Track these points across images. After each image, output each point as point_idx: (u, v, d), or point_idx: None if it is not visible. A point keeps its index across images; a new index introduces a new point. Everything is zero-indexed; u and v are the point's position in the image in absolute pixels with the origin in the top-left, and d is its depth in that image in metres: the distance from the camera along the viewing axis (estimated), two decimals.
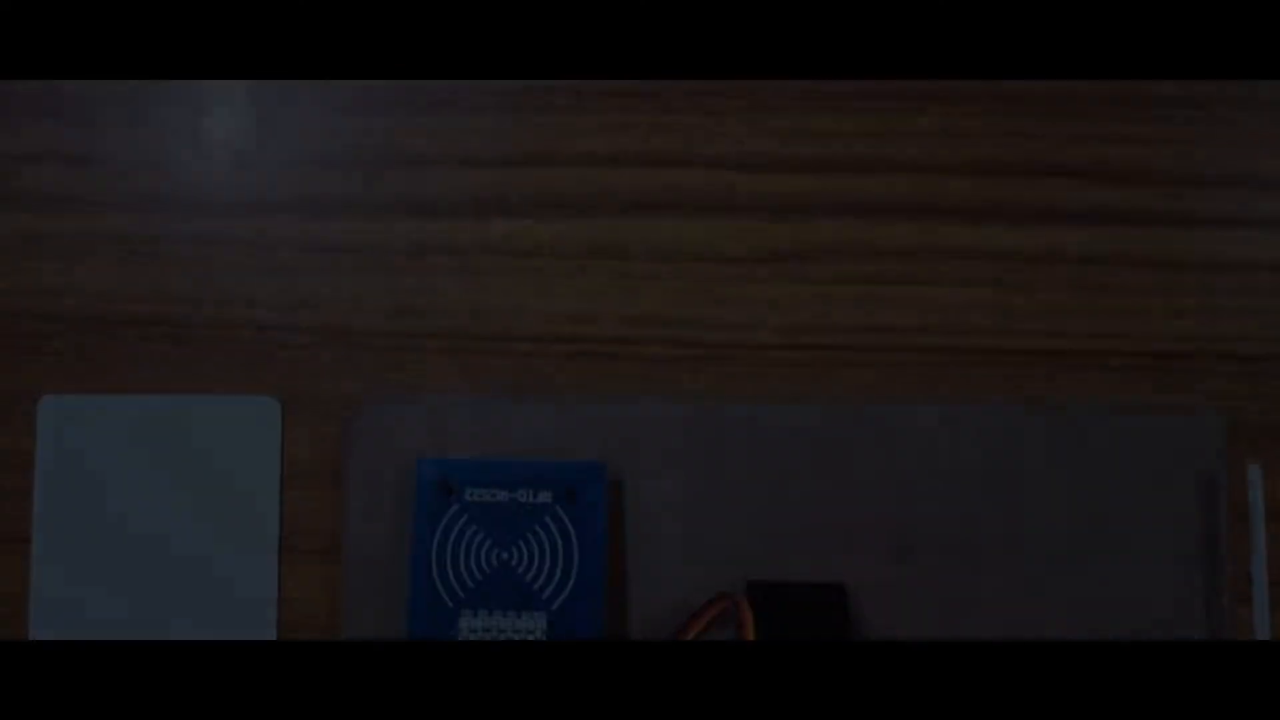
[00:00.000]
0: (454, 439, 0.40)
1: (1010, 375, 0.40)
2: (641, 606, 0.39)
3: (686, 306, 0.41)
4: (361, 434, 0.40)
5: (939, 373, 0.40)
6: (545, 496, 0.38)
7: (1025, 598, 0.39)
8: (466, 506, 0.38)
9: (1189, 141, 0.41)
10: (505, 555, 0.38)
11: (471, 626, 0.38)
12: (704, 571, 0.39)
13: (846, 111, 0.41)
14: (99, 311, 0.41)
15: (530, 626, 0.38)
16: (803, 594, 0.38)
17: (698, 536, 0.39)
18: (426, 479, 0.39)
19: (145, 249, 0.42)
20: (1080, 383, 0.40)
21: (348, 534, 0.40)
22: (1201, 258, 0.40)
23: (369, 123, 0.41)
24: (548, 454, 0.39)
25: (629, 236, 0.41)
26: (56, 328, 0.41)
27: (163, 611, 0.40)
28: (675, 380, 0.41)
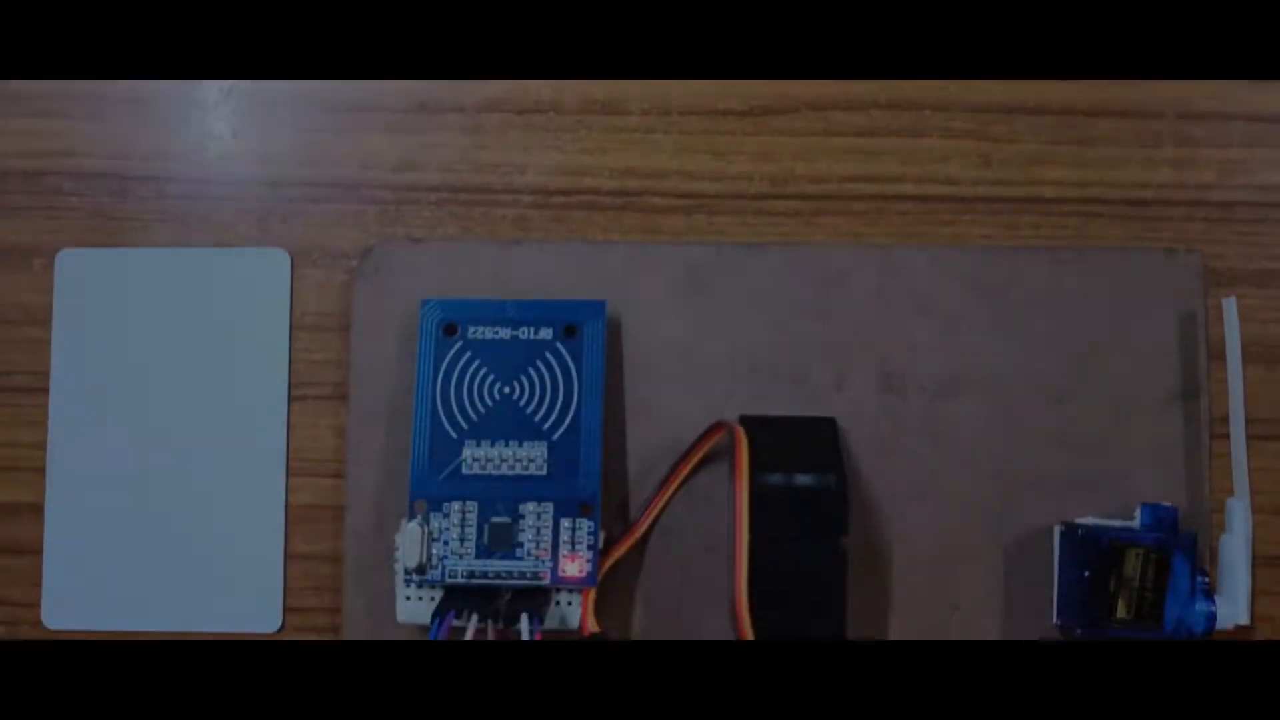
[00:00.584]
0: (457, 282, 0.41)
1: (994, 222, 0.42)
2: (639, 440, 0.41)
3: (682, 160, 0.42)
4: (368, 279, 0.41)
5: (925, 219, 0.42)
6: (546, 333, 0.40)
7: (1010, 431, 0.40)
8: (469, 344, 0.40)
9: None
10: (507, 389, 0.39)
11: (475, 456, 0.39)
12: (700, 407, 0.40)
13: None
14: (115, 169, 0.43)
15: (532, 455, 0.39)
16: (795, 426, 0.40)
17: (693, 373, 0.41)
18: (430, 318, 0.40)
19: (157, 109, 0.43)
20: (1061, 229, 0.42)
21: (354, 374, 0.41)
22: (1177, 109, 0.42)
23: None
24: (549, 295, 0.41)
25: (627, 93, 0.43)
26: (74, 185, 0.43)
27: (176, 454, 0.42)
28: (672, 228, 0.42)
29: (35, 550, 0.42)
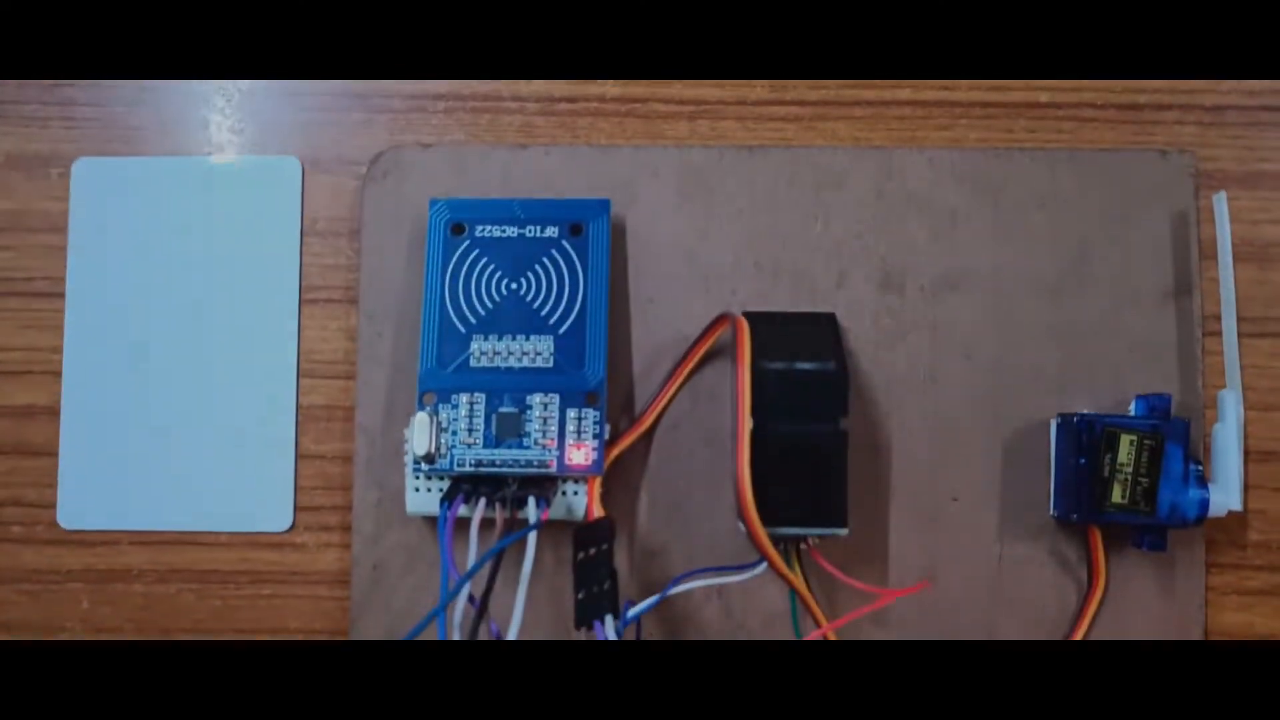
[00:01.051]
0: (465, 186, 0.42)
1: (991, 126, 0.43)
2: (643, 338, 0.41)
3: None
4: (377, 183, 0.42)
5: (923, 125, 0.43)
6: (552, 231, 0.41)
7: (1007, 328, 0.41)
8: (477, 242, 0.41)
9: None
10: (514, 286, 0.40)
11: (482, 349, 0.40)
12: (703, 305, 0.41)
13: None
14: (130, 79, 0.44)
15: (539, 348, 0.40)
16: (796, 320, 0.40)
17: (696, 273, 0.41)
18: (438, 218, 0.41)
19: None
20: (1057, 132, 0.43)
21: (364, 277, 0.42)
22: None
23: None
24: (555, 197, 0.42)
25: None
26: (90, 95, 0.44)
27: (189, 358, 0.43)
28: (676, 133, 0.43)
29: (51, 452, 0.43)
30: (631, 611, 0.36)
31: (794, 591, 0.38)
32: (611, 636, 0.34)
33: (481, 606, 0.35)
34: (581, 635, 0.36)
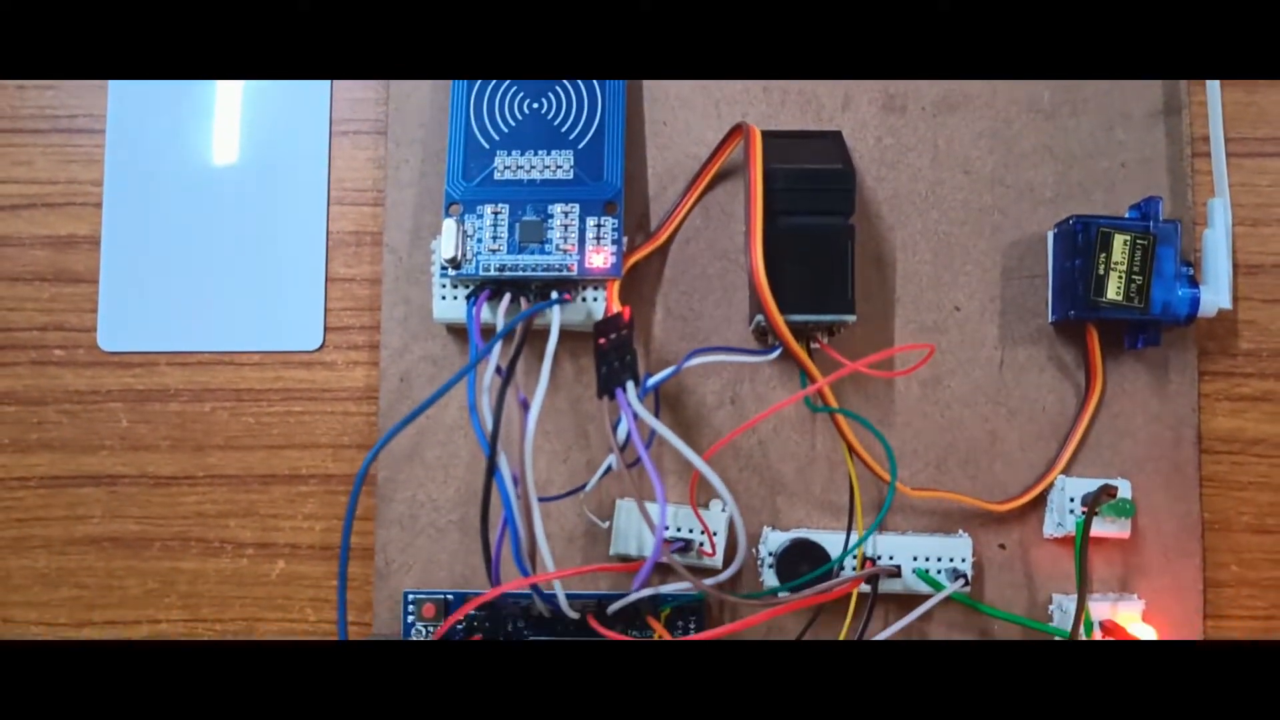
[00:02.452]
0: None
1: None
2: (658, 159, 0.43)
3: None
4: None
5: None
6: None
7: (1005, 145, 0.43)
8: None
9: None
10: (535, 105, 0.42)
11: (506, 164, 0.42)
12: (714, 128, 0.43)
13: None
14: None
15: (560, 162, 0.42)
16: (805, 136, 0.42)
17: (706, 92, 0.44)
18: None
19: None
20: None
21: (393, 106, 0.44)
22: None
23: None
24: None
25: None
26: None
27: (224, 187, 0.45)
28: None
29: (92, 279, 0.45)
30: (651, 380, 0.38)
31: (805, 373, 0.39)
32: (634, 402, 0.36)
33: (508, 374, 0.37)
34: (604, 405, 0.38)
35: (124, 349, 0.45)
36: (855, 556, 0.40)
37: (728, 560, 0.41)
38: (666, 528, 0.41)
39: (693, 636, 0.39)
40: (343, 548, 0.38)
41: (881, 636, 0.39)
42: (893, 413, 0.42)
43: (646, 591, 0.39)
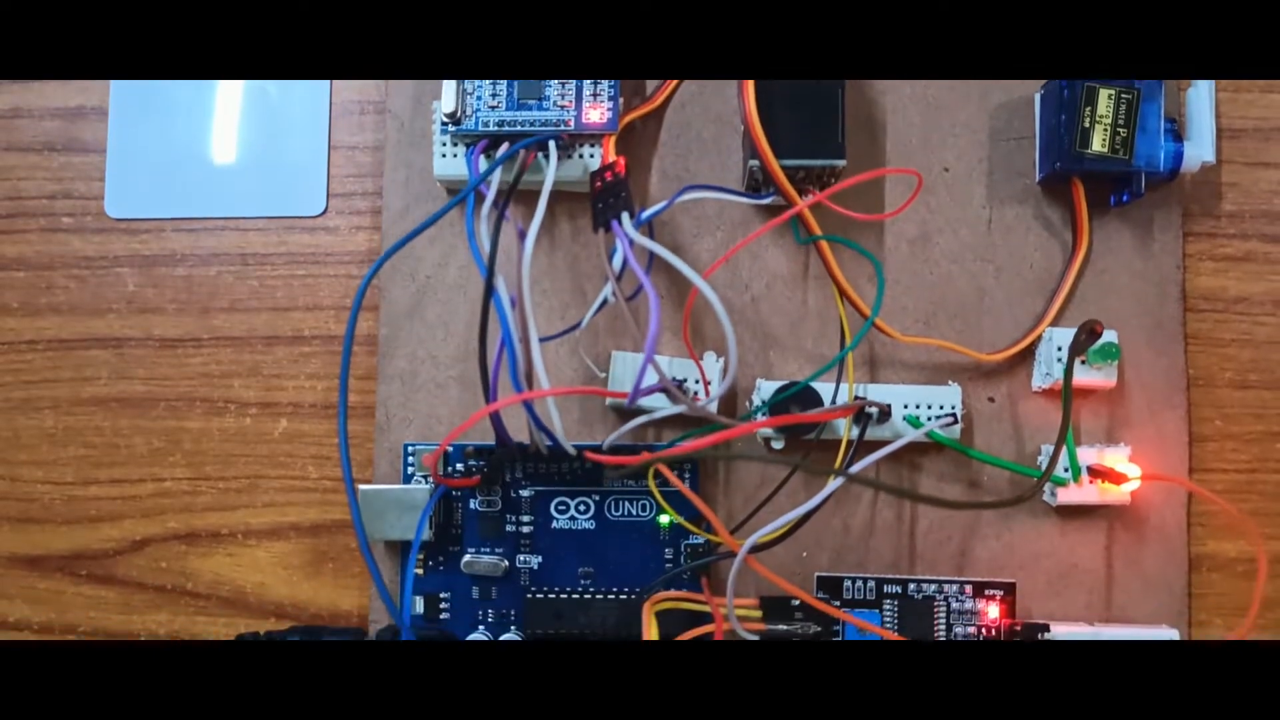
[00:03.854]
0: None
1: None
2: None
3: None
4: None
5: None
6: None
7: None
8: None
9: None
10: None
11: None
12: None
13: None
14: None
15: None
16: None
17: None
18: None
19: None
20: None
21: None
22: None
23: None
24: None
25: None
26: None
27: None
28: None
29: (99, 149, 0.46)
30: (645, 213, 0.39)
31: (796, 222, 0.40)
32: (629, 230, 0.37)
33: (506, 201, 0.38)
34: (601, 243, 0.39)
35: (131, 216, 0.46)
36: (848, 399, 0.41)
37: (723, 410, 0.42)
38: (658, 336, 0.41)
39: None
40: (343, 367, 0.39)
41: (869, 461, 0.39)
42: (883, 270, 0.43)
43: (639, 420, 0.39)
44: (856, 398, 0.41)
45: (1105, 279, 0.43)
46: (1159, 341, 0.43)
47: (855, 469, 0.38)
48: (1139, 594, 0.42)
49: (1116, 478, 0.40)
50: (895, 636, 0.40)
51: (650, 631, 0.38)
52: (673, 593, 0.39)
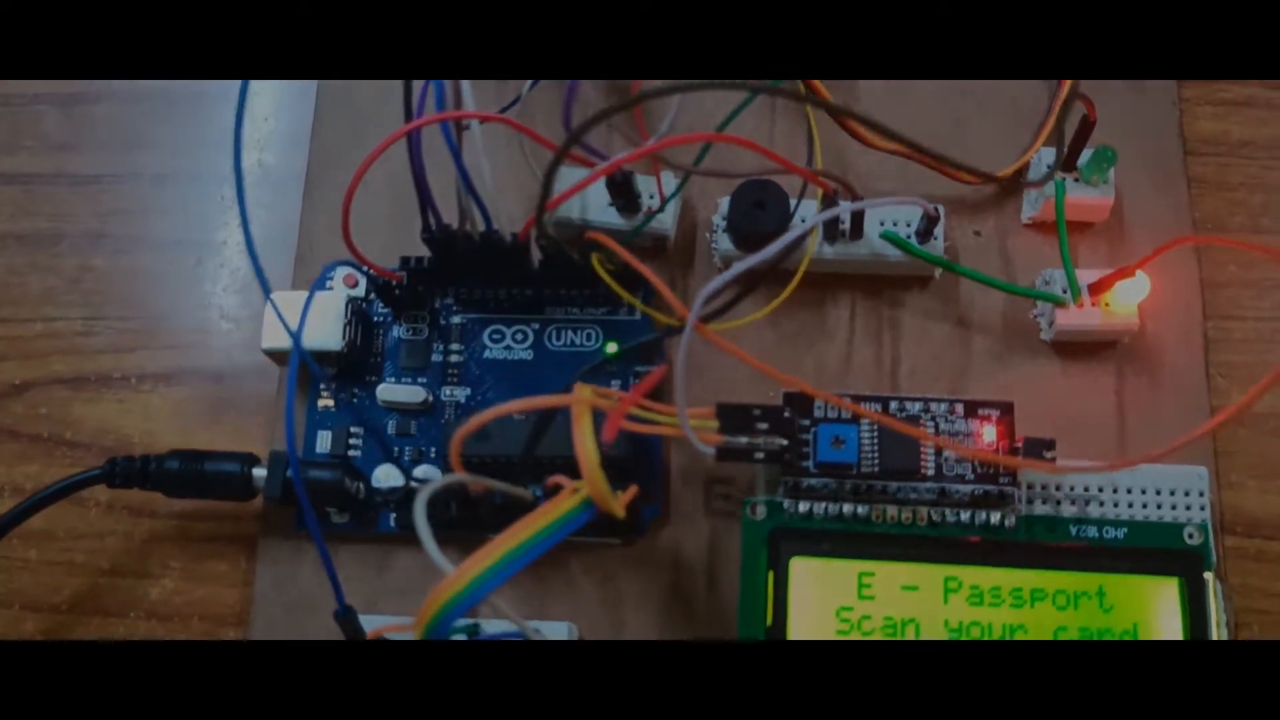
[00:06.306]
0: None
1: None
2: None
3: None
4: None
5: None
6: None
7: None
8: None
9: None
10: None
11: None
12: None
13: None
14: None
15: None
16: None
17: None
18: None
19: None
20: None
21: None
22: None
23: None
24: None
25: None
26: None
27: None
28: None
29: None
30: None
31: None
32: None
33: None
34: None
35: None
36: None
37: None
38: None
39: None
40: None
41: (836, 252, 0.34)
42: (856, 109, 0.40)
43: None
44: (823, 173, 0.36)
45: (1098, 128, 0.40)
46: (1160, 180, 0.39)
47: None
48: (1156, 446, 0.36)
49: (1124, 274, 0.35)
50: (878, 418, 0.34)
51: (584, 437, 0.31)
52: (607, 389, 0.34)
